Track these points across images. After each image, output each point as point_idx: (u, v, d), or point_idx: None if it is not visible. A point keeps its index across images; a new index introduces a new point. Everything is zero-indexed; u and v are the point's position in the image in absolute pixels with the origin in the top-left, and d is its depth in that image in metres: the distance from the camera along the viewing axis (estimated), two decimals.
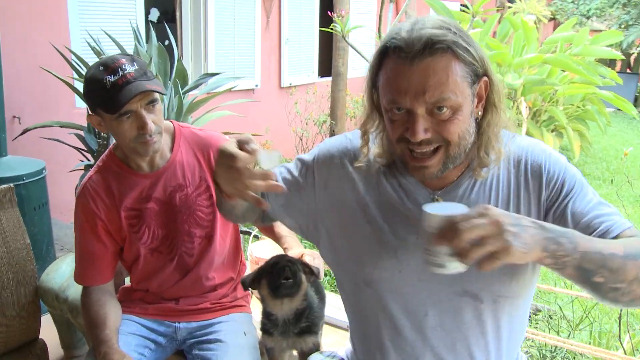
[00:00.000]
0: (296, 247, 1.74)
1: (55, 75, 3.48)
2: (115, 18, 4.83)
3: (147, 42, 3.53)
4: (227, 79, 4.00)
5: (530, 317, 2.60)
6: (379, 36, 3.89)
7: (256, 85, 6.59)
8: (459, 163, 1.16)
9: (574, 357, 2.49)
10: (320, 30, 7.19)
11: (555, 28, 11.44)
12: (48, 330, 2.66)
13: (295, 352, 1.68)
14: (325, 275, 2.11)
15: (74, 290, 2.37)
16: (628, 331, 2.33)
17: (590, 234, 1.09)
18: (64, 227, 4.32)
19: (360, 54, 3.78)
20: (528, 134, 6.36)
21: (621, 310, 2.27)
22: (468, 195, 1.18)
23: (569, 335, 2.60)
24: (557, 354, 2.44)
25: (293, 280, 1.50)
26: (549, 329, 2.69)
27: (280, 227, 1.80)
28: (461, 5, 9.91)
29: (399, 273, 1.18)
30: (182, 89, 3.38)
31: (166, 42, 3.82)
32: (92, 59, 3.49)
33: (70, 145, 3.51)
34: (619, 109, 7.18)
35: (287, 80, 7.02)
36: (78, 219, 1.71)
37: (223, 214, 1.36)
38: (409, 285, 1.18)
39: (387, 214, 1.21)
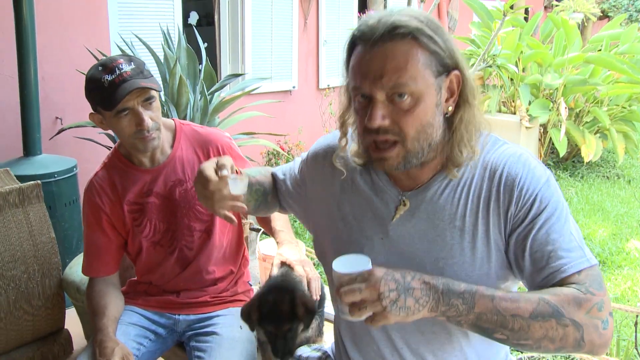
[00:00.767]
0: (287, 244, 1.76)
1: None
2: (153, 22, 4.96)
3: (177, 45, 3.63)
4: (255, 80, 4.07)
5: None
6: None
7: (293, 87, 6.65)
8: (428, 162, 1.14)
9: None
10: None
11: None
12: (73, 322, 2.78)
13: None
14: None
15: None
16: None
17: (541, 268, 1.07)
18: None
19: None
20: (568, 135, 6.20)
21: (637, 317, 2.20)
22: (437, 199, 1.15)
23: None
24: None
25: (290, 354, 1.47)
26: None
27: (275, 222, 1.84)
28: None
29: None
30: (207, 90, 3.46)
31: (205, 45, 3.90)
32: None
33: (102, 145, 3.64)
34: None
35: (324, 81, 7.06)
36: (85, 213, 1.79)
37: None
38: None
39: (358, 212, 1.22)
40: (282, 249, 1.75)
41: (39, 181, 2.58)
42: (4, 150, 3.96)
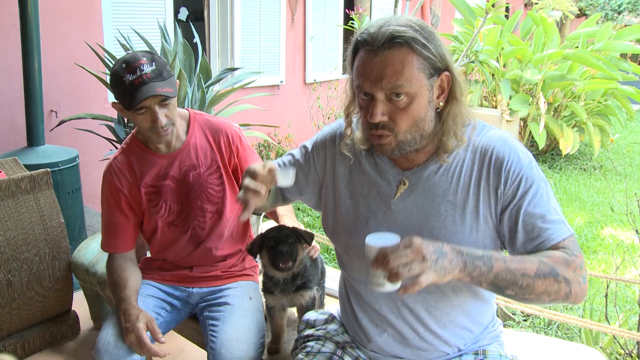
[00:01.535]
0: (286, 218, 1.94)
1: (88, 71, 3.73)
2: (145, 17, 5.08)
3: (174, 40, 3.76)
4: (248, 74, 4.21)
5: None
6: None
7: (281, 81, 6.79)
8: (423, 147, 1.31)
9: (568, 328, 2.63)
10: (344, 28, 7.36)
11: None
12: (80, 304, 2.92)
13: (294, 310, 1.88)
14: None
15: (102, 266, 2.61)
16: (617, 312, 2.45)
17: (532, 239, 1.26)
18: (95, 214, 4.59)
19: None
20: (547, 128, 6.44)
21: (607, 289, 2.40)
22: (432, 178, 1.33)
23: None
24: (551, 326, 2.59)
25: (290, 258, 1.68)
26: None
27: (279, 208, 2.00)
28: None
29: None
30: (204, 84, 3.60)
31: (194, 40, 4.04)
32: (122, 56, 3.74)
33: (101, 136, 3.76)
34: None
35: (311, 76, 7.21)
36: (104, 194, 1.93)
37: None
38: None
39: (364, 189, 1.40)
40: (283, 220, 1.93)
41: (48, 169, 2.72)
42: (8, 141, 4.07)
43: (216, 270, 2.01)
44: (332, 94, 6.82)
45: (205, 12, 6.26)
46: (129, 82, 1.71)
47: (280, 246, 1.67)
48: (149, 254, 2.20)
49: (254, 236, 2.18)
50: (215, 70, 5.76)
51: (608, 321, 2.43)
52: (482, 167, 1.30)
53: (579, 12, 12.76)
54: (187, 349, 2.74)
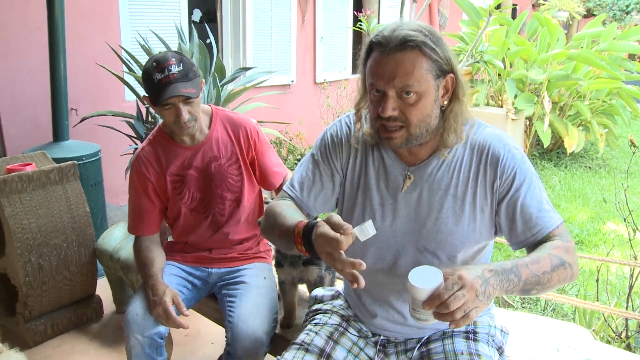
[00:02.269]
0: None
1: (109, 70, 3.92)
2: (161, 18, 5.27)
3: (189, 41, 3.94)
4: (260, 73, 4.39)
5: None
6: None
7: (292, 81, 6.97)
8: (426, 142, 1.45)
9: (564, 314, 2.79)
10: (352, 30, 7.53)
11: None
12: (103, 290, 3.10)
13: (306, 290, 2.05)
14: None
15: (125, 252, 2.80)
16: (608, 297, 2.60)
17: (530, 227, 1.41)
18: (114, 208, 4.79)
19: None
20: (552, 127, 6.57)
21: (598, 275, 2.56)
22: (435, 173, 1.47)
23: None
24: (547, 310, 2.75)
25: None
26: None
27: None
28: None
29: (377, 230, 1.51)
30: (219, 82, 3.78)
31: (208, 40, 4.22)
32: (140, 56, 3.94)
33: (121, 132, 3.95)
34: None
35: (321, 76, 7.38)
36: (132, 181, 2.11)
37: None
38: (382, 240, 1.51)
39: (373, 184, 1.54)
40: None
41: (74, 161, 2.91)
42: (32, 137, 4.28)
43: (233, 252, 2.18)
44: (341, 93, 6.99)
45: (218, 14, 6.45)
46: (157, 81, 1.89)
47: None
48: (170, 239, 2.38)
49: None
50: (228, 69, 5.94)
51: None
52: (479, 162, 1.45)
53: (587, 13, 12.85)
54: (204, 330, 2.92)
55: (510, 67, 6.97)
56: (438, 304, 1.17)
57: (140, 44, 3.84)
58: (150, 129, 3.48)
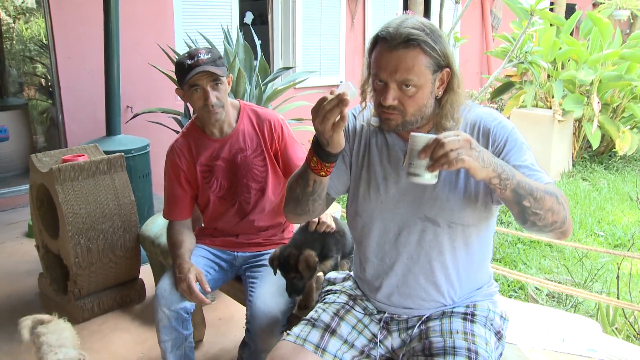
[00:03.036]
0: None
1: (160, 71, 4.17)
2: (213, 21, 5.50)
3: (236, 42, 4.14)
4: (302, 73, 4.55)
5: None
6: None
7: (341, 81, 7.10)
8: (422, 126, 1.58)
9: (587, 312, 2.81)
10: None
11: None
12: (145, 275, 3.33)
13: (321, 274, 2.18)
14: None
15: (165, 238, 3.00)
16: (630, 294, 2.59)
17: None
18: (161, 199, 5.05)
19: None
20: (603, 129, 6.43)
21: (618, 272, 2.56)
22: None
23: None
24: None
25: (297, 286, 1.99)
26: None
27: None
28: (550, 3, 9.90)
29: (380, 203, 1.64)
30: (262, 81, 3.96)
31: (260, 42, 4.40)
32: None
33: (169, 128, 4.20)
34: None
35: None
36: (167, 170, 2.30)
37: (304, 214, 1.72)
38: (387, 212, 1.65)
39: (376, 160, 1.68)
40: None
41: (122, 154, 3.15)
42: (90, 132, 4.59)
43: (258, 238, 2.34)
44: None
45: (269, 16, 6.67)
46: (188, 65, 2.08)
47: (287, 284, 1.98)
48: (202, 225, 2.56)
49: None
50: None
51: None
52: (472, 136, 1.54)
53: None
54: (237, 315, 3.09)
55: (562, 68, 6.86)
56: (434, 146, 1.31)
57: (187, 45, 4.07)
58: None
